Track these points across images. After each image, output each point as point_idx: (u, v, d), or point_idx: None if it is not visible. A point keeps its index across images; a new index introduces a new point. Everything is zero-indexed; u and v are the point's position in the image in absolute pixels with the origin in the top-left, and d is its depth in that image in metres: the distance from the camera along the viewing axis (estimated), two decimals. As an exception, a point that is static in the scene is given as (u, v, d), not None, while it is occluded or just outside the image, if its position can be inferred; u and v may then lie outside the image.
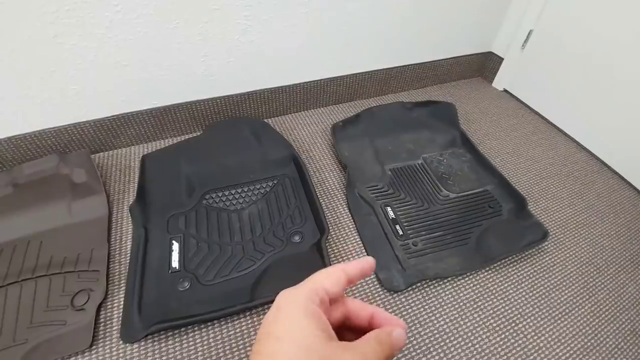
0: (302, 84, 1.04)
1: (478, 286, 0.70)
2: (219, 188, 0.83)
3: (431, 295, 0.68)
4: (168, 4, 0.75)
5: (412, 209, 0.82)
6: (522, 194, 0.84)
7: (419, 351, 0.61)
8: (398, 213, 0.81)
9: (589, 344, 0.64)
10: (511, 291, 0.70)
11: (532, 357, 0.61)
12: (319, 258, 0.68)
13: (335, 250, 0.74)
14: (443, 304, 0.67)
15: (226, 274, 0.67)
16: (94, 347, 0.58)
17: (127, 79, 0.82)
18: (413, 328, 0.64)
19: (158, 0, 0.73)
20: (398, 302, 0.67)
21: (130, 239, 0.73)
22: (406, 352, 0.60)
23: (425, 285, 0.70)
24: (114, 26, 0.73)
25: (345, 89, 1.12)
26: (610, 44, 0.92)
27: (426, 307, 0.67)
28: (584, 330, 0.65)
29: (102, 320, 0.62)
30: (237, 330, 0.61)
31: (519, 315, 0.67)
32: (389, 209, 0.81)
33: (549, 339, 0.64)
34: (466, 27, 1.16)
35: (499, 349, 0.62)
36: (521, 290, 0.70)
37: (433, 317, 0.65)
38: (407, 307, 0.66)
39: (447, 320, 0.65)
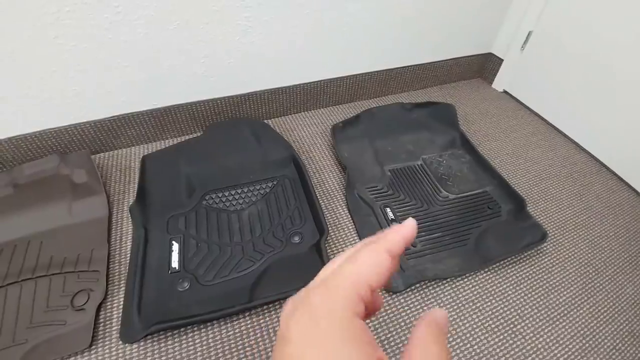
0: (302, 84, 1.04)
1: (477, 287, 0.70)
2: (219, 189, 0.83)
3: (430, 296, 0.68)
4: (168, 5, 0.75)
5: (411, 209, 0.82)
6: (521, 195, 0.84)
7: (417, 352, 0.61)
8: (397, 214, 0.81)
9: (587, 345, 0.64)
10: (510, 292, 0.70)
11: (530, 358, 0.62)
12: (319, 259, 0.69)
13: (335, 251, 0.74)
14: (442, 304, 0.67)
15: (226, 275, 0.68)
16: (93, 347, 0.59)
17: (127, 79, 0.83)
18: (412, 329, 0.64)
19: (158, 1, 0.73)
20: (397, 303, 0.67)
21: (130, 239, 0.74)
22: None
23: (424, 286, 0.70)
24: (114, 27, 0.74)
25: (345, 89, 1.12)
26: (610, 45, 0.92)
27: (425, 308, 0.67)
28: (582, 332, 0.66)
29: (101, 320, 0.62)
30: (237, 330, 0.62)
31: (517, 317, 0.67)
32: (388, 209, 0.81)
33: (548, 340, 0.64)
34: (466, 28, 1.16)
35: (498, 350, 0.62)
36: (520, 291, 0.71)
37: (432, 318, 0.65)
38: (405, 308, 0.67)
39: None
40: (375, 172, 0.91)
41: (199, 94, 0.93)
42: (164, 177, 0.83)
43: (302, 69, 1.02)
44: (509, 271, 0.74)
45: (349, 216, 0.81)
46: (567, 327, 0.66)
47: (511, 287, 0.71)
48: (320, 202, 0.81)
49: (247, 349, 0.59)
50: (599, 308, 0.69)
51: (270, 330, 0.62)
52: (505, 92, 1.28)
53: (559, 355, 0.62)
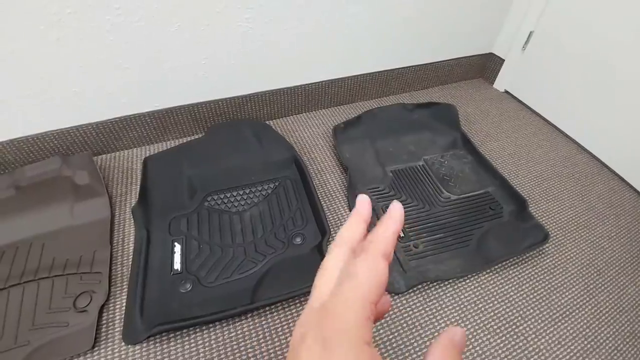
0: (304, 85, 1.04)
1: (479, 288, 0.70)
2: (221, 190, 0.83)
3: (432, 298, 0.68)
4: (169, 6, 0.75)
5: (413, 210, 0.82)
6: (523, 195, 0.84)
7: (419, 353, 0.61)
8: (399, 215, 0.81)
9: (589, 345, 0.64)
10: (512, 293, 0.70)
11: (532, 359, 0.62)
12: (320, 260, 0.68)
13: (336, 252, 0.74)
14: (444, 306, 0.67)
15: (228, 276, 0.68)
16: (96, 348, 0.59)
17: (128, 81, 0.83)
18: (414, 330, 0.64)
19: (159, 3, 0.74)
20: (399, 304, 0.67)
21: (132, 240, 0.74)
22: (407, 354, 0.61)
23: (426, 288, 0.70)
24: (115, 29, 0.74)
25: (347, 90, 1.12)
26: (611, 44, 0.92)
27: (427, 309, 0.67)
28: (584, 332, 0.65)
29: (104, 322, 0.62)
30: (239, 332, 0.62)
31: (519, 317, 0.67)
32: (389, 210, 0.81)
33: (550, 341, 0.64)
34: (467, 29, 1.16)
35: (500, 351, 0.62)
36: (522, 292, 0.71)
37: (434, 319, 0.65)
38: (407, 309, 0.67)
39: (448, 322, 0.65)
40: (377, 173, 0.91)
41: (200, 95, 0.93)
42: (166, 179, 0.83)
43: (303, 70, 1.02)
44: (510, 272, 0.74)
45: (351, 217, 0.81)
46: (568, 327, 0.66)
47: (513, 288, 0.71)
48: (322, 203, 0.81)
49: (249, 350, 0.60)
50: (601, 309, 0.69)
51: (272, 332, 0.62)
52: (506, 92, 1.28)
53: (560, 356, 0.62)
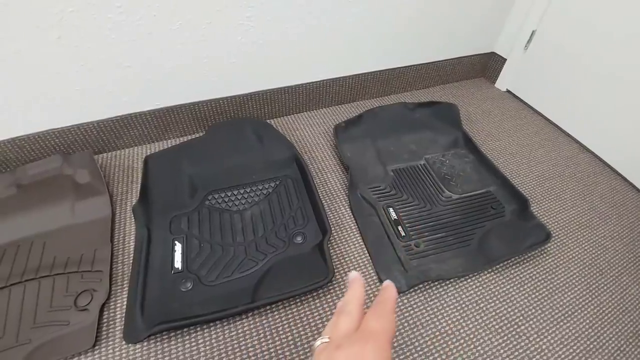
0: (305, 84, 1.04)
1: (480, 288, 0.70)
2: (222, 189, 0.83)
3: (433, 297, 0.68)
4: (171, 5, 0.75)
5: (414, 210, 0.82)
6: (525, 195, 0.83)
7: (420, 353, 0.61)
8: (400, 214, 0.80)
9: (591, 346, 0.63)
10: (514, 293, 0.70)
11: (534, 359, 0.61)
12: (321, 259, 0.68)
13: (337, 252, 0.74)
14: (445, 305, 0.67)
15: (228, 275, 0.68)
16: (97, 347, 0.59)
17: (130, 80, 0.83)
18: (415, 329, 0.64)
19: (161, 1, 0.73)
20: (400, 304, 0.67)
21: (133, 239, 0.74)
22: (408, 353, 0.61)
23: (427, 287, 0.70)
24: (116, 27, 0.74)
25: (348, 89, 1.12)
26: (614, 44, 0.91)
27: (428, 308, 0.67)
28: (586, 333, 0.65)
29: (105, 320, 0.62)
30: (240, 331, 0.62)
31: (521, 317, 0.66)
32: (391, 210, 0.81)
33: (551, 341, 0.64)
34: (469, 28, 1.15)
35: (501, 351, 0.62)
36: (524, 292, 0.70)
37: (435, 319, 0.65)
38: (409, 308, 0.66)
39: (449, 321, 0.65)
40: (378, 172, 0.90)
41: (201, 93, 0.93)
42: (167, 177, 0.83)
43: (304, 69, 1.01)
44: (512, 272, 0.73)
45: (352, 216, 0.81)
46: (571, 327, 0.66)
47: (515, 288, 0.71)
48: (323, 202, 0.81)
49: (250, 349, 0.59)
50: (603, 309, 0.69)
51: (273, 331, 0.62)
52: (508, 91, 1.27)
53: (563, 356, 0.62)
